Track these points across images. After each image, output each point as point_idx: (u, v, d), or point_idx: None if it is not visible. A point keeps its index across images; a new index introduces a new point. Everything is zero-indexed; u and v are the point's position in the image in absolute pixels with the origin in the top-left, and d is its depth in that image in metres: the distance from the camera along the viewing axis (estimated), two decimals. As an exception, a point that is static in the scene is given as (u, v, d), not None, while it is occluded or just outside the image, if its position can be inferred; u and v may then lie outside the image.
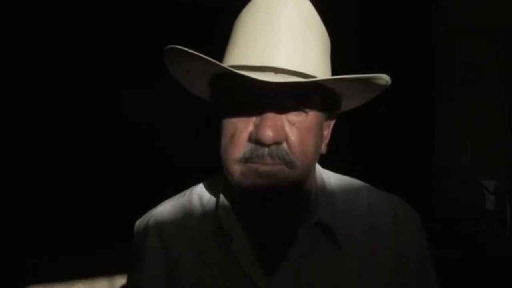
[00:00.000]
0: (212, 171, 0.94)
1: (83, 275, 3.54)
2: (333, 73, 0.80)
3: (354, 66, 0.89)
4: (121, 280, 3.13)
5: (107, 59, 3.55)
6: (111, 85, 3.77)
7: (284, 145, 0.75)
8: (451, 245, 3.12)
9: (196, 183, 0.93)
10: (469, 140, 3.20)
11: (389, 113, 3.36)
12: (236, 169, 0.75)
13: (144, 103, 3.62)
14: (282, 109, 0.75)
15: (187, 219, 0.86)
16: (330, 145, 0.86)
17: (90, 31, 3.49)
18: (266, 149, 0.73)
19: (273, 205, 0.78)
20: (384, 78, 0.77)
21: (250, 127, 0.75)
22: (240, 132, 0.75)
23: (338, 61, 0.96)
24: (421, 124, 3.46)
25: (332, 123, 0.85)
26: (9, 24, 3.44)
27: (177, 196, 0.92)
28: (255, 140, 0.73)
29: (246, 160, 0.74)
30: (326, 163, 0.91)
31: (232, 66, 0.74)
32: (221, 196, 0.84)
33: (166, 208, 0.89)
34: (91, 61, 3.60)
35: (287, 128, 0.75)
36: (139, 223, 0.91)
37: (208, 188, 0.90)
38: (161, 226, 0.87)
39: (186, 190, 0.92)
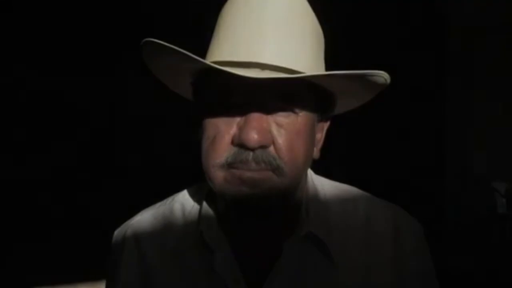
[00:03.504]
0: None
1: (86, 277, 3.51)
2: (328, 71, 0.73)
3: (355, 65, 0.81)
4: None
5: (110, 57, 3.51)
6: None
7: (271, 149, 0.67)
8: (462, 249, 3.04)
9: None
10: (480, 142, 3.12)
11: (396, 113, 3.28)
12: (218, 175, 0.68)
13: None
14: (268, 109, 0.67)
15: (167, 230, 0.79)
16: (326, 148, 0.79)
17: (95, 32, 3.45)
18: (251, 153, 0.66)
19: (258, 215, 0.71)
20: (382, 76, 0.69)
21: (234, 129, 0.67)
22: (222, 134, 0.68)
23: (336, 59, 0.90)
24: (431, 125, 3.38)
25: (326, 125, 0.78)
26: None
27: (158, 204, 0.85)
28: (239, 143, 0.66)
29: (228, 165, 0.67)
30: (322, 169, 0.84)
31: (215, 62, 0.67)
32: (204, 204, 0.77)
33: (145, 218, 0.83)
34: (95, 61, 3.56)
35: (274, 130, 0.68)
36: (117, 233, 0.84)
37: (192, 195, 0.83)
38: (139, 237, 0.80)
39: (168, 198, 0.85)
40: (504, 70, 2.98)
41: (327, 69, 0.75)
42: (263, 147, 0.66)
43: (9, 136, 3.49)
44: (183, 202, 0.82)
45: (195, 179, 0.86)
